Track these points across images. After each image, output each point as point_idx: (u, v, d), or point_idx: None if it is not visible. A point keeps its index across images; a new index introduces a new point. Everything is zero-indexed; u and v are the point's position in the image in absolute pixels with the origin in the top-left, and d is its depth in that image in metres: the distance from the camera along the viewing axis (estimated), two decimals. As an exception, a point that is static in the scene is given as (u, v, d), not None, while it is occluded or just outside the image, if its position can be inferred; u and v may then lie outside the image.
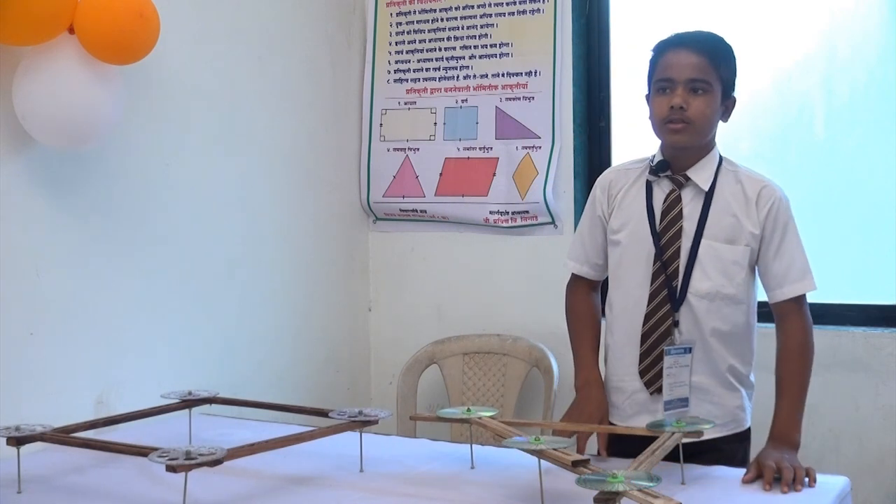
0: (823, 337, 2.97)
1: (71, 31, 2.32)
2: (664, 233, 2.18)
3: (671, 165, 2.20)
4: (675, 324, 2.17)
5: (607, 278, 2.35)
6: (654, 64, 2.20)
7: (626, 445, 2.12)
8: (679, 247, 2.17)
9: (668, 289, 2.17)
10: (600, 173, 2.49)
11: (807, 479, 1.92)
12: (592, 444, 2.63)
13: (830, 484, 1.94)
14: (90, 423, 2.22)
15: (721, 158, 2.22)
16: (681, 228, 2.17)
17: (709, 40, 2.18)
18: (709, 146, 2.20)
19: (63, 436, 2.05)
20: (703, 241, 2.16)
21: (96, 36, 2.32)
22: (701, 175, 2.18)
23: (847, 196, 3.12)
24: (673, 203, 2.19)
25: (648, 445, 1.88)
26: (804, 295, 2.16)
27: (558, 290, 3.30)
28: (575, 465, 1.73)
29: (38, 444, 2.07)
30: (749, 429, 2.26)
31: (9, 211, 2.38)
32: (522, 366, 3.24)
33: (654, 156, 2.25)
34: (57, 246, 2.50)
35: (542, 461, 1.76)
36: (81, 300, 2.56)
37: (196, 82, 2.91)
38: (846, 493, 1.95)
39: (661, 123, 2.15)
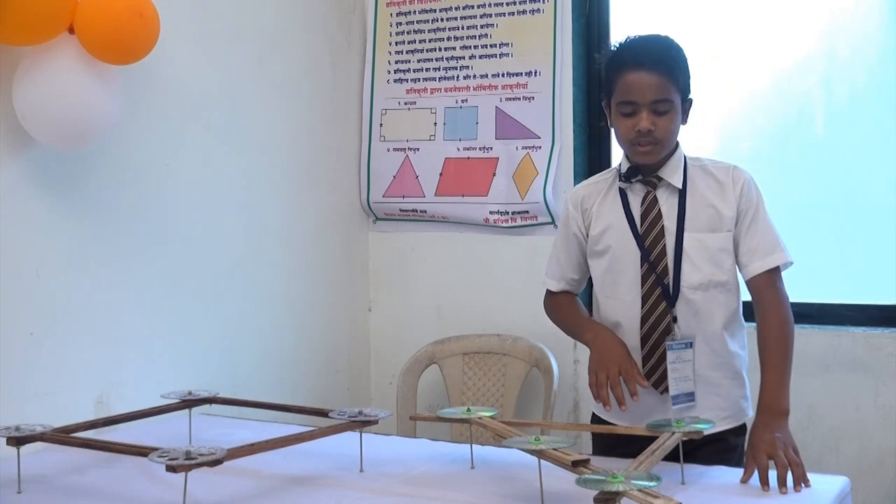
0: (823, 337, 2.98)
1: (71, 31, 2.32)
2: (647, 234, 2.21)
3: (642, 169, 2.23)
4: (674, 319, 2.19)
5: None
6: (612, 80, 2.19)
7: (625, 445, 2.12)
8: (664, 245, 2.20)
9: (661, 287, 2.19)
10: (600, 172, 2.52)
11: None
12: (590, 445, 2.64)
13: (830, 484, 1.94)
14: (90, 423, 2.22)
15: (685, 156, 2.26)
16: (662, 227, 2.20)
17: (663, 55, 2.16)
18: (674, 148, 2.23)
19: (63, 436, 2.05)
20: (687, 235, 2.19)
21: (96, 36, 2.32)
22: (673, 174, 2.21)
23: (847, 196, 3.13)
24: (651, 204, 2.22)
25: (648, 445, 1.88)
26: (779, 269, 2.18)
27: (558, 290, 3.31)
28: (575, 465, 1.73)
29: (38, 444, 2.07)
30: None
31: (9, 211, 2.38)
32: (522, 366, 3.24)
33: (620, 164, 2.29)
34: (57, 246, 2.50)
35: (542, 461, 1.76)
36: (81, 300, 2.56)
37: (196, 82, 2.91)
38: (846, 493, 1.95)
39: (630, 145, 2.19)
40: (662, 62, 2.14)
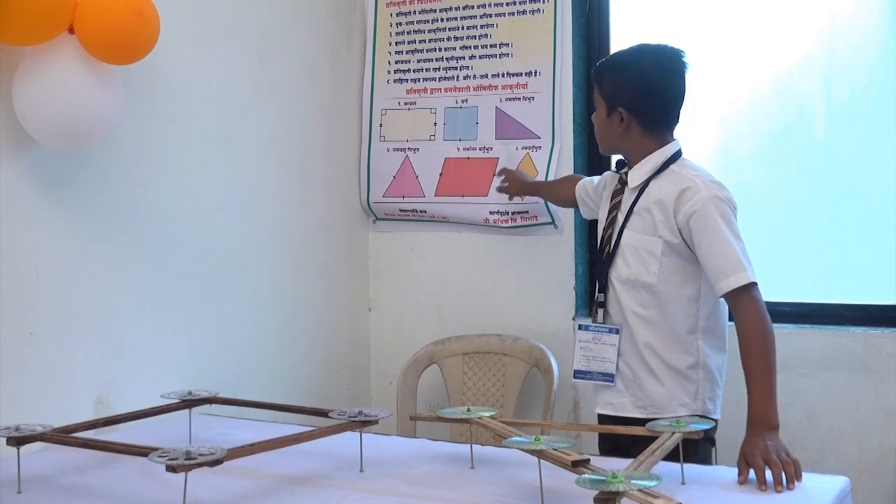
0: (823, 337, 2.98)
1: (71, 31, 2.32)
2: (605, 221, 2.46)
3: (628, 165, 2.45)
4: (601, 304, 2.42)
5: None
6: None
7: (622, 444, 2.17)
8: (610, 235, 2.42)
9: (598, 272, 2.44)
10: (600, 173, 2.66)
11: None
12: (590, 445, 2.64)
13: (830, 484, 1.94)
14: (90, 423, 2.22)
15: (672, 161, 2.37)
16: (614, 219, 2.42)
17: (601, 63, 2.47)
18: (646, 151, 2.38)
19: (63, 436, 2.05)
20: (626, 231, 2.38)
21: (96, 36, 2.32)
22: (634, 174, 2.40)
23: (847, 196, 3.12)
24: (614, 196, 2.45)
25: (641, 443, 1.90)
26: (748, 286, 2.20)
27: (558, 290, 3.32)
28: (575, 465, 1.73)
29: (38, 444, 2.08)
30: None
31: (9, 211, 2.38)
32: (522, 366, 3.24)
33: None
34: (57, 246, 2.50)
35: (542, 461, 1.76)
36: (81, 300, 2.55)
37: (196, 82, 2.91)
38: (846, 493, 1.95)
39: None
40: (596, 68, 2.46)
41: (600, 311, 2.42)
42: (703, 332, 2.34)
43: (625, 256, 2.37)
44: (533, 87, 3.33)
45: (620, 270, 2.37)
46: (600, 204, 2.57)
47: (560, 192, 2.97)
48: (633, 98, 2.36)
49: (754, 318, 2.19)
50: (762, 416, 2.10)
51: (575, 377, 2.46)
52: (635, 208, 2.36)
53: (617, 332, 2.38)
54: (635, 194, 2.38)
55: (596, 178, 2.74)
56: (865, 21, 3.13)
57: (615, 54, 2.49)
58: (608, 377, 2.39)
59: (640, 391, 2.36)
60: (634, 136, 2.38)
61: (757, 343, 2.17)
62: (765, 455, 1.96)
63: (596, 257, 2.49)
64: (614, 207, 2.43)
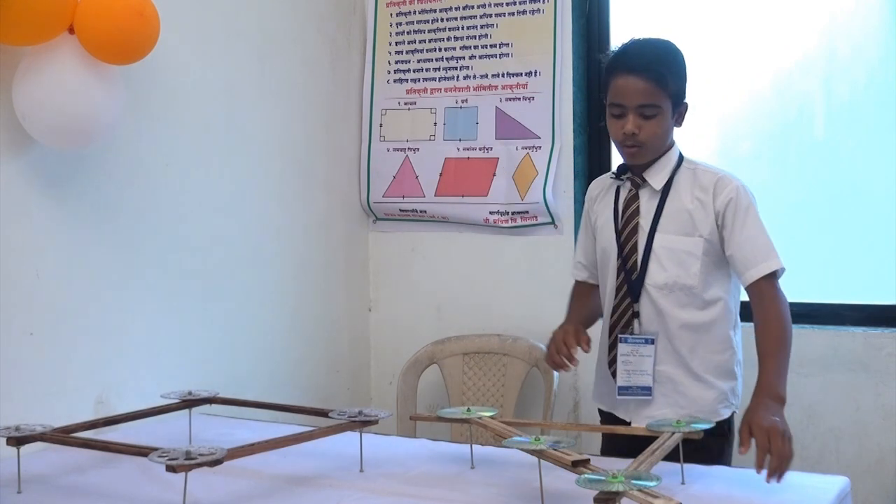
0: (823, 337, 2.98)
1: (71, 31, 2.32)
2: (623, 230, 2.32)
3: (631, 168, 2.32)
4: (636, 314, 2.30)
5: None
6: (606, 83, 2.28)
7: (623, 444, 2.14)
8: (636, 242, 2.30)
9: (629, 282, 2.30)
10: (600, 173, 2.64)
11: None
12: (590, 445, 2.64)
13: (830, 484, 1.94)
14: (90, 423, 2.22)
15: (681, 158, 2.32)
16: (637, 225, 2.30)
17: (654, 62, 2.21)
18: (666, 150, 2.30)
19: (63, 436, 2.05)
20: (658, 235, 2.27)
21: (96, 36, 2.32)
22: (656, 176, 2.29)
23: (847, 196, 3.13)
24: (630, 202, 2.32)
25: (641, 443, 1.89)
26: (774, 274, 2.20)
27: (558, 290, 3.31)
28: (575, 465, 1.73)
29: (38, 444, 2.08)
30: (727, 422, 2.30)
31: (9, 211, 2.38)
32: (522, 366, 3.24)
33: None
34: (57, 246, 2.50)
35: (542, 461, 1.76)
36: (81, 300, 2.55)
37: (196, 82, 2.91)
38: (846, 493, 1.95)
39: (618, 145, 2.29)
40: (651, 69, 2.20)
41: (635, 321, 2.29)
42: (737, 328, 2.32)
43: (660, 261, 2.26)
44: (533, 87, 3.33)
45: (656, 276, 2.27)
46: (597, 224, 2.42)
47: (591, 305, 2.55)
48: (685, 92, 2.27)
49: (779, 305, 2.17)
50: (770, 387, 2.08)
51: (619, 394, 2.30)
52: (665, 210, 2.27)
53: (652, 342, 2.27)
54: (658, 196, 2.28)
55: (579, 249, 2.58)
56: (865, 21, 3.13)
57: (661, 52, 2.25)
58: (646, 391, 2.27)
59: (683, 398, 2.27)
60: (670, 135, 2.30)
61: (777, 325, 2.15)
62: (772, 433, 1.92)
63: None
64: (634, 214, 2.30)
